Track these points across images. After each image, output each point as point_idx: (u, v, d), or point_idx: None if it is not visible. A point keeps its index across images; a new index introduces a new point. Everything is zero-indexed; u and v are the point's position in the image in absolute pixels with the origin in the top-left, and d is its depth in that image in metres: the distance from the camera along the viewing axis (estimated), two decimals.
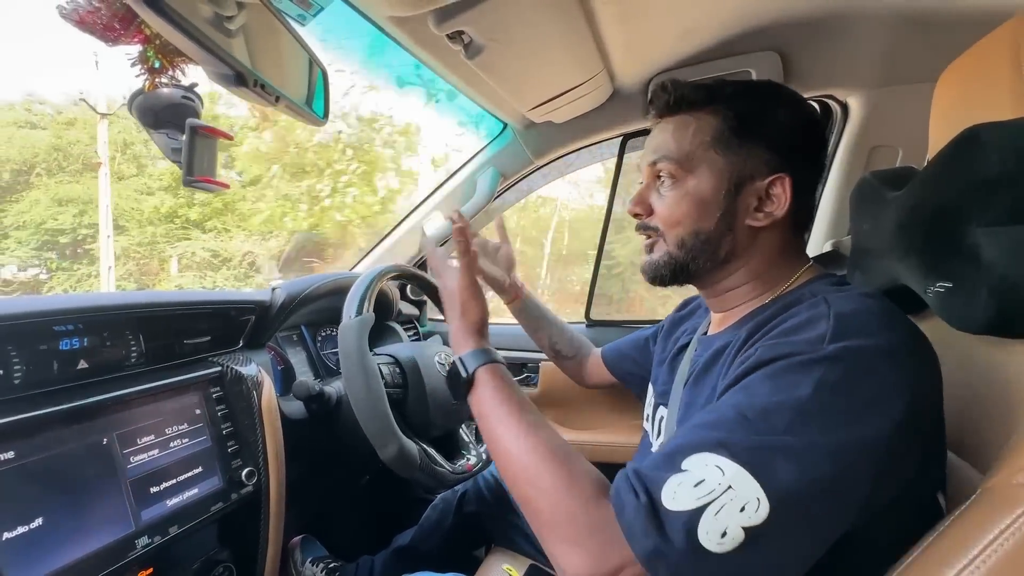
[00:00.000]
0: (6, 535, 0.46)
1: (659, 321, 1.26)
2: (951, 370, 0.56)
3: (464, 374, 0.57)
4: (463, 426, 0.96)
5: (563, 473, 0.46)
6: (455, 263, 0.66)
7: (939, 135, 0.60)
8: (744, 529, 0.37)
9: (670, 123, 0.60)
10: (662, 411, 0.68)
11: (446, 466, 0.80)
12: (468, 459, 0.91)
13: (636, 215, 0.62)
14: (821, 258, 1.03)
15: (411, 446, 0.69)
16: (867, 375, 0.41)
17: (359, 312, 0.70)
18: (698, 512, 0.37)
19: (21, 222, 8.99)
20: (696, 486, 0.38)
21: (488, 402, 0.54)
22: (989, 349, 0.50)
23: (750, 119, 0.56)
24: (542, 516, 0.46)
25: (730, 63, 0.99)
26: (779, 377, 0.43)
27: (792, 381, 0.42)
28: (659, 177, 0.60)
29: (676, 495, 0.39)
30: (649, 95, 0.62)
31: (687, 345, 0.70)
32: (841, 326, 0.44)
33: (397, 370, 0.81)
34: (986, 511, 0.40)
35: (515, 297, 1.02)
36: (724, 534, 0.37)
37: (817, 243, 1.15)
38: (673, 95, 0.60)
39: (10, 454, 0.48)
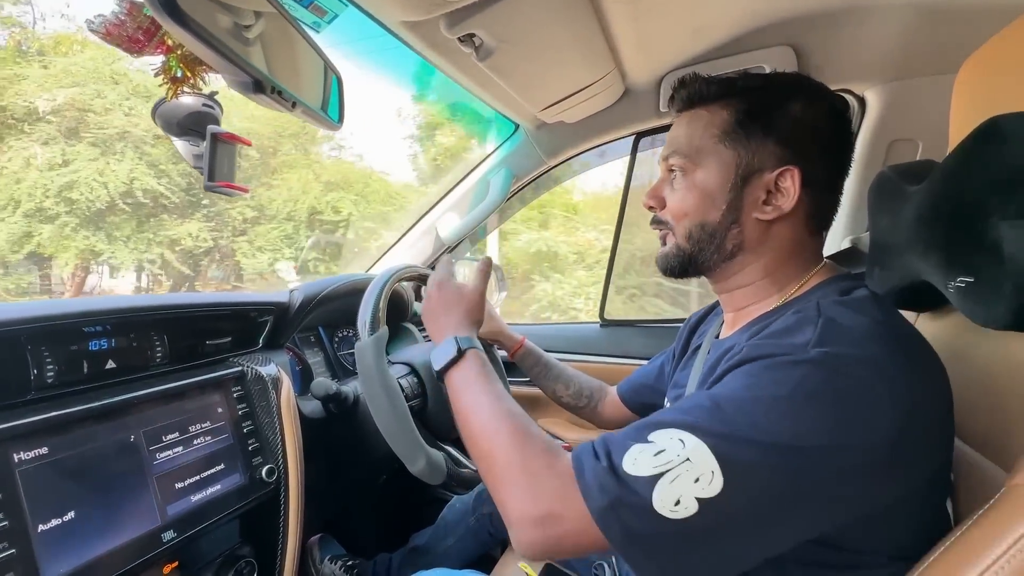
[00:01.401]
0: (40, 527, 0.48)
1: (673, 320, 1.25)
2: (972, 367, 0.55)
3: (456, 351, 0.60)
4: None
5: (522, 431, 0.50)
6: (461, 268, 0.69)
7: (960, 127, 0.59)
8: (697, 500, 0.38)
9: (684, 118, 0.61)
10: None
11: (469, 466, 0.81)
12: None
13: (650, 208, 0.64)
14: (840, 255, 1.01)
15: (437, 457, 0.71)
16: (850, 386, 0.41)
17: (373, 330, 0.70)
18: (655, 478, 0.39)
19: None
20: (656, 455, 0.40)
21: (478, 379, 0.58)
22: (1012, 345, 0.49)
23: (759, 111, 0.56)
24: (497, 465, 0.48)
25: (743, 60, 0.98)
26: (759, 374, 0.43)
27: (772, 379, 0.42)
28: (672, 171, 0.61)
29: (636, 461, 0.40)
30: (669, 92, 0.63)
31: (700, 347, 0.70)
32: (827, 332, 0.44)
33: (415, 380, 0.82)
34: (1012, 509, 0.39)
35: (517, 347, 1.03)
36: (678, 502, 0.38)
37: (836, 239, 1.13)
38: (689, 90, 0.60)
39: (44, 450, 0.50)
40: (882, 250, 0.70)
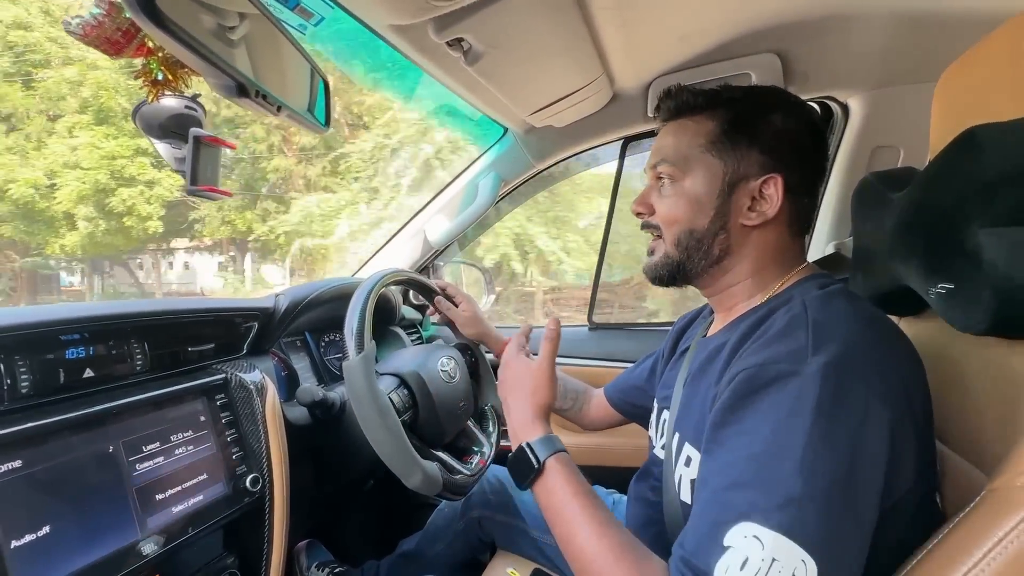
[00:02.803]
0: (14, 543, 0.47)
1: (662, 324, 1.26)
2: (953, 371, 0.56)
3: (535, 463, 0.56)
4: (469, 421, 0.97)
5: (614, 547, 0.48)
6: (515, 343, 0.71)
7: (940, 135, 0.60)
8: None
9: (671, 128, 0.63)
10: (665, 414, 0.69)
11: (463, 470, 0.82)
12: (480, 453, 0.94)
13: (639, 214, 0.65)
14: (824, 260, 1.03)
15: (432, 469, 0.72)
16: (855, 385, 0.42)
17: (359, 348, 0.70)
18: None
19: None
20: (743, 567, 0.39)
21: (559, 494, 0.54)
22: (991, 350, 0.50)
23: (744, 122, 0.58)
24: None
25: (729, 66, 0.99)
26: (774, 411, 0.43)
27: (788, 412, 0.42)
28: (660, 179, 0.62)
29: None
30: (656, 101, 0.65)
31: (688, 349, 0.70)
32: (819, 334, 0.45)
33: (405, 392, 0.81)
34: (991, 513, 0.40)
35: (503, 347, 1.02)
36: None
37: (819, 245, 1.15)
38: (675, 101, 0.62)
39: (17, 463, 0.49)
40: (865, 255, 0.71)
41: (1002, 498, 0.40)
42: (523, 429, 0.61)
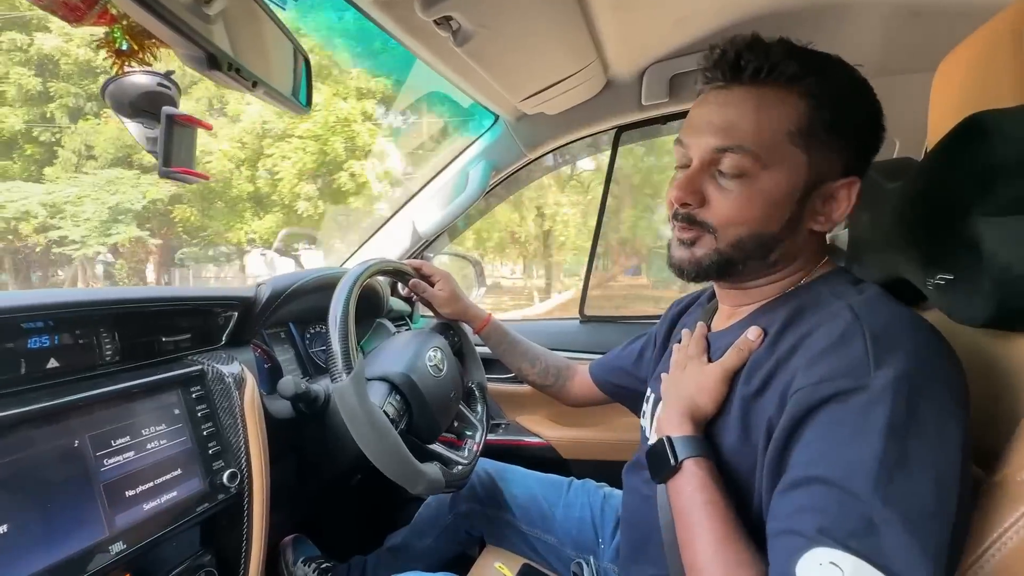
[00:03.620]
0: None
1: (654, 317, 1.24)
2: None
3: (672, 460, 0.51)
4: (460, 404, 0.96)
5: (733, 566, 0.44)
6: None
7: (938, 125, 0.59)
8: None
9: (751, 97, 0.49)
10: (660, 407, 0.67)
11: (460, 460, 0.83)
12: (472, 437, 0.94)
13: (685, 205, 0.53)
14: None
15: (434, 472, 0.73)
16: (924, 401, 0.40)
17: (348, 367, 0.68)
18: None
19: None
20: None
21: (688, 496, 0.49)
22: (991, 342, 0.49)
23: (840, 110, 0.48)
24: None
25: None
26: (841, 428, 0.41)
27: (857, 430, 0.40)
28: (716, 164, 0.51)
29: None
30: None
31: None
32: (880, 347, 0.42)
33: (398, 397, 0.79)
34: (991, 507, 0.39)
35: (483, 324, 0.99)
36: None
37: None
38: (759, 59, 0.48)
39: None
40: (860, 247, 0.70)
41: (1003, 492, 0.39)
42: (670, 423, 0.55)
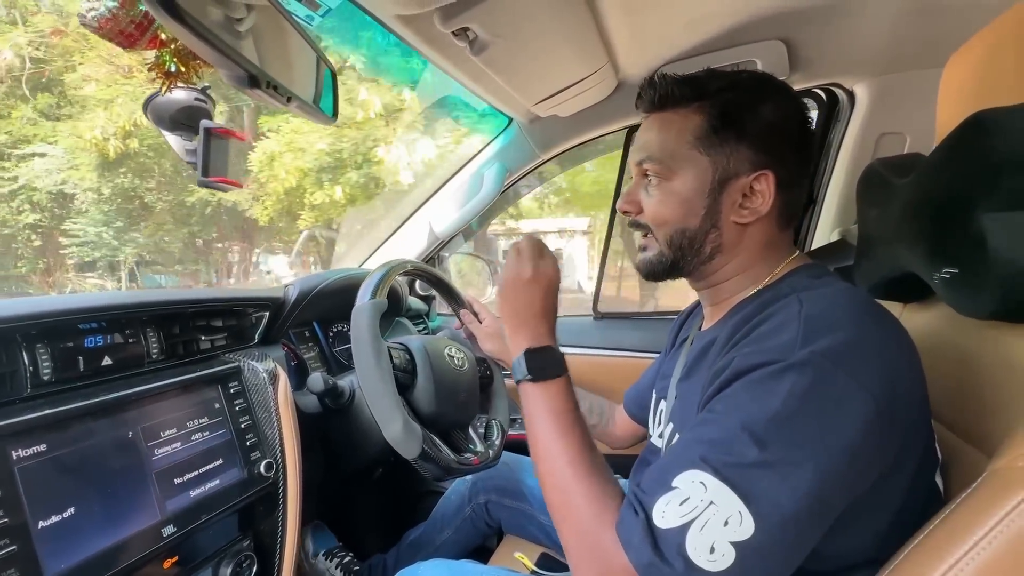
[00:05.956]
0: (41, 524, 0.48)
1: (667, 313, 1.26)
2: (957, 356, 0.56)
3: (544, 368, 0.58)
4: (470, 426, 0.92)
5: (593, 487, 0.49)
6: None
7: (946, 121, 0.60)
8: (733, 545, 0.38)
9: (656, 121, 0.60)
10: (663, 404, 0.70)
11: (451, 455, 0.77)
12: (476, 453, 0.88)
13: (626, 212, 0.64)
14: (828, 247, 1.03)
15: (416, 427, 0.69)
16: (833, 378, 0.42)
17: (373, 296, 0.71)
18: (684, 528, 0.39)
19: None
20: (682, 504, 0.41)
21: (556, 399, 0.57)
22: (996, 334, 0.51)
23: (733, 116, 0.56)
24: (566, 522, 0.49)
25: (735, 53, 0.98)
26: (753, 388, 0.44)
27: (765, 391, 0.43)
28: (646, 176, 0.60)
29: (665, 514, 0.41)
30: (638, 93, 0.62)
31: (686, 340, 0.71)
32: (809, 328, 0.45)
33: (407, 356, 0.80)
34: (991, 494, 0.40)
35: None
36: (713, 550, 0.38)
37: (825, 232, 1.15)
38: (659, 92, 0.59)
39: (42, 447, 0.50)
40: (870, 242, 0.71)
41: (1003, 478, 0.40)
42: (528, 334, 0.61)
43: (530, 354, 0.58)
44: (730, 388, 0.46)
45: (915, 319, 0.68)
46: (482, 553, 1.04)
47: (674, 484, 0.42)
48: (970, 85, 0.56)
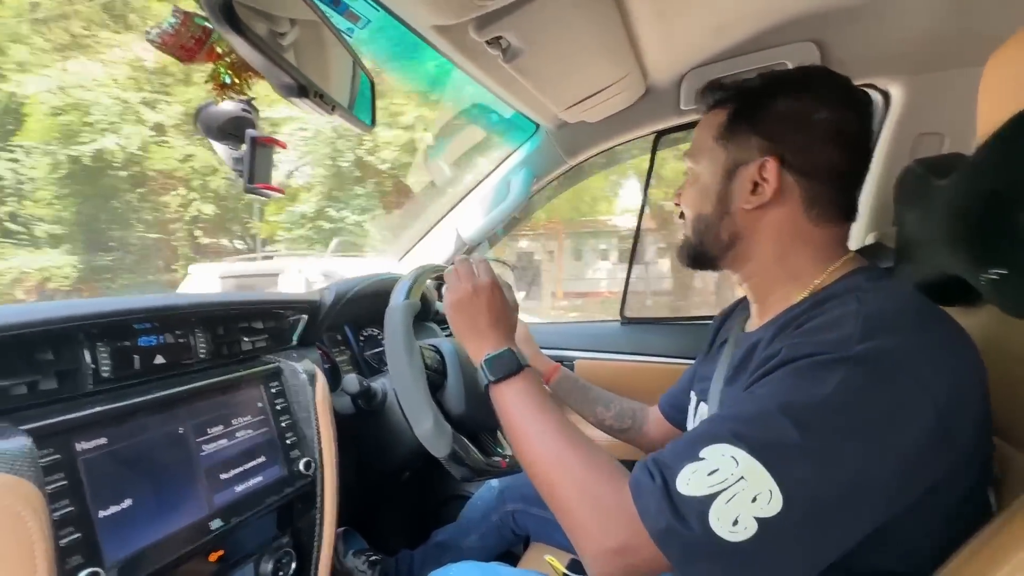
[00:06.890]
0: (101, 513, 0.51)
1: (697, 318, 1.25)
2: (1007, 361, 0.55)
3: (516, 364, 0.60)
4: (498, 430, 0.93)
5: (584, 458, 0.49)
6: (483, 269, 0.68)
7: (988, 120, 0.59)
8: (757, 520, 0.38)
9: (699, 123, 0.67)
10: (703, 407, 0.69)
11: (480, 456, 0.78)
12: (503, 457, 0.87)
13: (677, 204, 0.71)
14: (865, 250, 1.00)
15: (446, 426, 0.69)
16: (893, 378, 0.41)
17: (407, 297, 0.73)
18: (710, 498, 0.39)
19: None
20: (710, 474, 0.40)
21: (529, 393, 0.58)
22: None
23: (747, 111, 0.61)
24: (564, 499, 0.48)
25: (766, 56, 0.98)
26: (803, 375, 0.43)
27: (816, 378, 0.42)
28: (688, 171, 0.68)
29: (690, 481, 0.40)
30: (690, 89, 0.70)
31: (727, 341, 0.71)
32: (869, 326, 0.43)
33: (438, 357, 0.83)
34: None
35: (553, 372, 1.04)
36: (736, 522, 0.38)
37: (860, 235, 1.13)
38: (704, 96, 0.67)
39: (103, 440, 0.53)
40: (910, 244, 0.70)
41: None
42: (493, 341, 0.63)
43: (488, 360, 0.60)
44: (775, 373, 0.45)
45: (962, 324, 0.66)
46: (508, 558, 1.04)
47: (702, 455, 0.41)
48: (1013, 83, 0.55)
